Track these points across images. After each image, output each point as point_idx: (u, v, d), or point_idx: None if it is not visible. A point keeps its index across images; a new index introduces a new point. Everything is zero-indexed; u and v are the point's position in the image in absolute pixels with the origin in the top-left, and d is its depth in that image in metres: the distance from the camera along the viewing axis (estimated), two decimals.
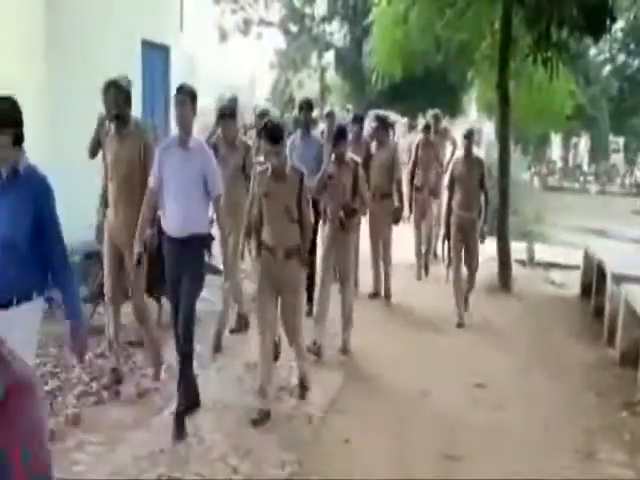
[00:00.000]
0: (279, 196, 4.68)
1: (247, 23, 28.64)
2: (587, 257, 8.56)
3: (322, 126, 9.69)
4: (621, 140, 37.30)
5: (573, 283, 9.24)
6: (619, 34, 32.43)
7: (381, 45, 11.37)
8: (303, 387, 5.09)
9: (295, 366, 5.23)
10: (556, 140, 36.85)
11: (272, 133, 4.54)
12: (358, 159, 6.15)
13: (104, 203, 5.16)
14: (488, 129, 19.89)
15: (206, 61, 22.61)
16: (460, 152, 7.66)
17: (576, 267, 9.37)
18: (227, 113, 6.04)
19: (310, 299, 6.80)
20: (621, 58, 35.04)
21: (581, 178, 33.29)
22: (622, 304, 6.28)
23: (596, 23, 8.62)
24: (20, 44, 7.05)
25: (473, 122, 19.01)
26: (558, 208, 18.68)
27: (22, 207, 3.15)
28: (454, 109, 24.69)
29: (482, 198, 7.28)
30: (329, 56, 28.97)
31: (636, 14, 30.25)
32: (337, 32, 28.84)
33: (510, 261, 9.27)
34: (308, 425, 4.75)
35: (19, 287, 3.21)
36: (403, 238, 9.01)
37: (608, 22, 8.75)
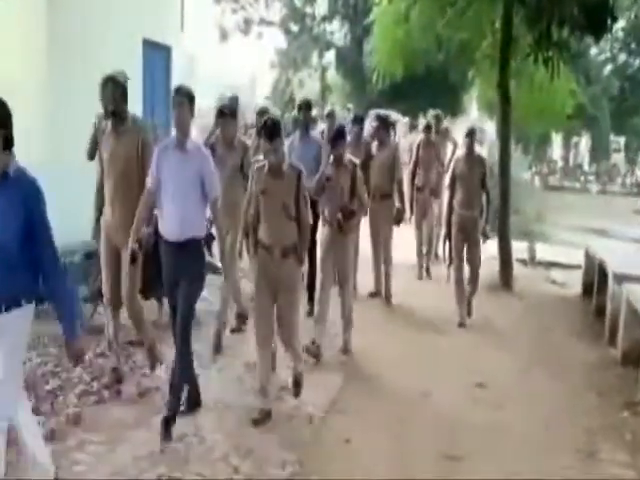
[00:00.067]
0: (276, 193, 4.64)
1: (248, 23, 28.62)
2: (588, 256, 8.56)
3: (322, 126, 9.69)
4: (622, 140, 37.30)
5: (574, 282, 9.25)
6: (620, 33, 32.43)
7: (382, 44, 11.37)
8: (297, 385, 5.01)
9: (292, 356, 5.11)
10: (557, 139, 36.86)
11: (269, 130, 4.50)
12: (357, 160, 6.11)
13: (99, 202, 5.10)
14: (489, 128, 19.89)
15: (207, 61, 22.62)
16: (462, 150, 7.60)
17: (577, 266, 9.36)
18: (226, 112, 5.98)
19: (311, 298, 6.80)
20: (622, 57, 35.04)
21: (582, 178, 33.24)
22: (623, 304, 6.28)
23: (597, 22, 8.61)
24: (21, 44, 7.05)
25: (474, 121, 18.99)
26: (559, 207, 18.66)
27: (12, 210, 3.11)
28: (455, 108, 24.69)
29: (484, 197, 7.24)
30: (330, 55, 28.98)
31: (637, 13, 30.21)
32: (338, 31, 28.84)
33: (511, 260, 9.26)
34: (309, 425, 4.74)
35: (9, 292, 3.15)
36: (404, 238, 9.00)
37: (609, 21, 8.74)
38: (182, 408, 4.66)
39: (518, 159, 17.54)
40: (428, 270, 9.10)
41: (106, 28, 7.95)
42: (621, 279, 6.59)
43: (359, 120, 8.26)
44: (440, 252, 8.99)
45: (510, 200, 9.41)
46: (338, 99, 28.75)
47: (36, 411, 4.56)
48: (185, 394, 4.71)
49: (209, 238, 5.55)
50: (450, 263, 7.38)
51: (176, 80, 9.81)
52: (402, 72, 11.38)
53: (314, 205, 5.69)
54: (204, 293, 6.30)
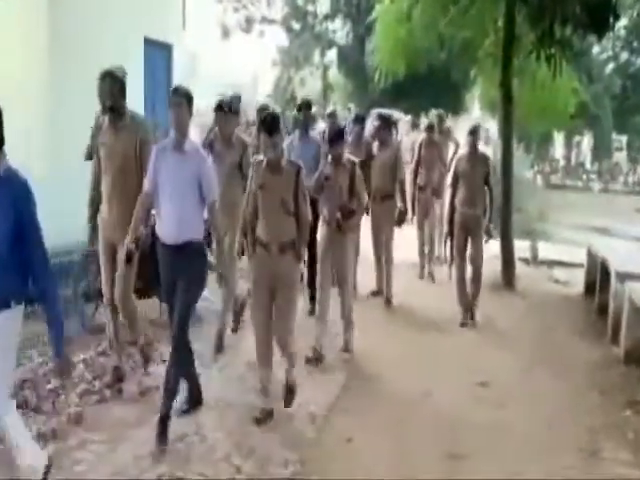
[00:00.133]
0: (275, 189, 4.59)
1: (249, 21, 28.63)
2: (591, 255, 8.54)
3: (322, 124, 9.69)
4: (624, 138, 37.27)
5: (577, 281, 9.23)
6: (622, 32, 32.38)
7: (384, 43, 11.37)
8: (290, 393, 4.84)
9: (285, 370, 4.93)
10: (559, 138, 36.82)
11: (269, 124, 4.47)
12: (355, 159, 6.03)
13: (94, 198, 5.04)
14: (491, 127, 19.87)
15: (208, 59, 22.63)
16: (464, 148, 7.53)
17: (579, 265, 9.34)
18: (224, 107, 5.86)
19: (313, 297, 6.78)
20: (624, 56, 35.00)
21: (584, 176, 33.21)
22: (626, 302, 6.26)
23: (600, 21, 8.60)
24: (21, 43, 7.05)
25: (477, 120, 18.97)
26: (561, 206, 18.66)
27: (2, 211, 3.06)
28: (457, 107, 24.69)
29: (487, 196, 7.15)
30: (332, 54, 28.98)
31: (639, 12, 30.15)
32: (340, 30, 28.85)
33: (513, 259, 9.25)
34: (311, 424, 4.73)
35: None
36: (406, 238, 8.98)
37: (612, 20, 8.72)
38: (184, 407, 4.67)
39: (520, 158, 17.52)
40: (432, 274, 8.98)
41: (107, 27, 7.95)
42: (623, 278, 6.57)
43: (360, 120, 8.24)
44: (441, 252, 8.98)
45: (512, 199, 9.38)
46: (340, 98, 28.75)
47: (37, 410, 4.58)
48: (186, 394, 4.71)
49: (209, 238, 5.52)
50: (451, 262, 7.34)
51: (177, 78, 9.83)
52: (404, 71, 11.38)
53: (314, 204, 5.63)
54: (205, 292, 6.32)
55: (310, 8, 28.89)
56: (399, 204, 7.68)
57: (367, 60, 22.94)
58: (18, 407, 4.49)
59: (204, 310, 6.54)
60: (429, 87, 22.38)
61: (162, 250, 4.48)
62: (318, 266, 6.19)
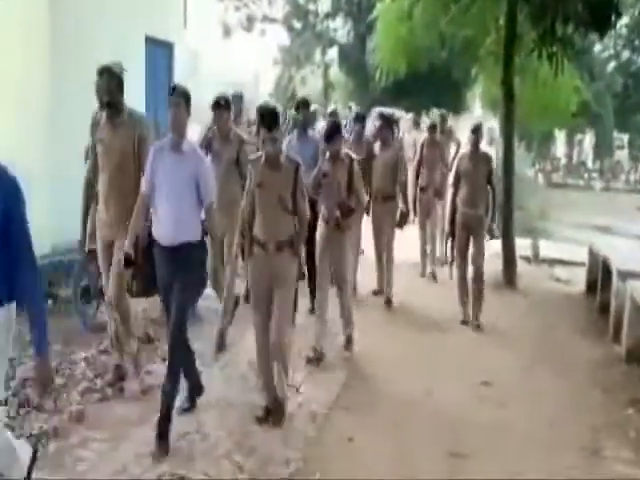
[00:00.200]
0: (273, 186, 4.53)
1: (250, 19, 28.62)
2: (592, 254, 8.53)
3: (323, 123, 9.67)
4: (625, 137, 37.16)
5: (578, 280, 9.23)
6: (624, 30, 32.31)
7: (385, 41, 11.37)
8: (279, 410, 4.66)
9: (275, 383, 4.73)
10: (560, 137, 36.73)
11: (267, 119, 4.45)
12: (354, 155, 5.98)
13: (88, 195, 5.00)
14: (493, 126, 19.83)
15: (210, 58, 22.55)
16: (467, 147, 7.47)
17: (581, 264, 9.34)
18: (222, 103, 5.82)
19: (314, 296, 6.76)
20: (626, 54, 34.89)
21: (585, 175, 33.17)
22: (628, 301, 6.26)
23: (601, 19, 8.59)
24: (22, 43, 7.04)
25: (479, 119, 18.95)
26: (562, 205, 18.63)
27: None
28: (458, 106, 24.64)
29: (489, 195, 7.08)
30: (333, 52, 28.93)
31: None
32: (341, 28, 28.81)
33: (515, 258, 9.24)
34: (312, 423, 4.73)
35: None
36: (407, 237, 8.97)
37: (613, 18, 8.72)
38: (185, 406, 4.67)
39: (521, 156, 17.46)
40: (434, 274, 8.91)
41: (108, 25, 7.94)
42: (625, 276, 6.57)
43: (361, 118, 8.22)
44: (442, 252, 8.94)
45: (514, 197, 9.37)
46: (341, 96, 28.74)
47: (39, 408, 4.58)
48: (186, 393, 4.71)
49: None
50: (452, 261, 7.30)
51: (178, 77, 9.82)
52: (405, 69, 11.39)
53: (313, 204, 5.57)
54: (207, 291, 6.31)
55: (311, 7, 28.87)
56: (400, 205, 7.63)
57: (368, 59, 22.91)
58: (20, 405, 4.52)
59: (205, 309, 6.55)
60: (430, 86, 22.35)
61: (159, 251, 4.43)
62: (317, 265, 6.12)
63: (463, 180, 7.07)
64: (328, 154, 5.83)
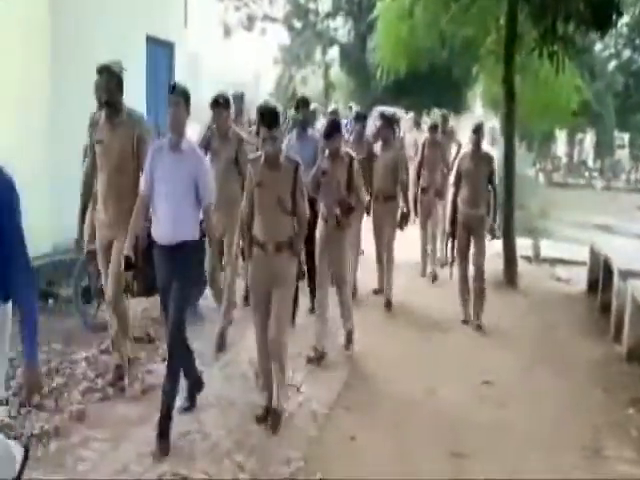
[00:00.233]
0: (272, 186, 4.49)
1: (251, 19, 28.61)
2: (593, 253, 8.53)
3: (323, 121, 9.66)
4: (626, 136, 37.16)
5: (579, 279, 9.23)
6: (624, 29, 32.27)
7: (386, 41, 11.37)
8: (276, 416, 4.56)
9: (275, 383, 4.66)
10: (561, 136, 36.70)
11: (267, 118, 4.41)
12: (353, 153, 5.94)
13: (86, 195, 4.97)
14: (495, 126, 19.82)
15: (210, 57, 22.60)
16: (468, 147, 7.40)
17: (582, 263, 9.33)
18: (220, 101, 5.78)
19: (313, 295, 6.76)
20: (626, 54, 34.86)
21: (586, 174, 33.17)
22: (629, 300, 6.25)
23: (602, 18, 8.57)
24: (22, 43, 7.04)
25: (480, 118, 18.94)
26: (563, 204, 18.60)
27: None
28: (459, 105, 24.64)
29: (491, 195, 7.03)
30: (333, 52, 28.94)
31: None
32: (341, 28, 28.81)
33: (516, 257, 9.23)
34: (313, 422, 4.73)
35: None
36: (408, 237, 8.95)
37: (614, 17, 8.70)
38: (185, 405, 4.67)
39: (522, 155, 17.45)
40: (434, 274, 8.86)
41: (109, 25, 7.94)
42: (626, 275, 6.56)
43: (361, 118, 8.21)
44: (443, 253, 8.92)
45: (514, 197, 9.37)
46: (341, 96, 28.73)
47: (40, 408, 4.58)
48: (185, 393, 4.70)
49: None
50: (452, 261, 7.28)
51: (179, 77, 9.82)
52: (406, 68, 11.38)
53: (312, 202, 5.52)
54: (207, 290, 6.32)
55: (312, 6, 28.86)
56: (401, 205, 7.60)
57: (369, 58, 22.89)
58: (21, 405, 4.52)
59: (205, 309, 6.56)
60: (431, 85, 22.34)
61: (157, 251, 4.42)
62: (316, 264, 6.08)
63: (464, 180, 7.02)
64: (327, 152, 5.79)
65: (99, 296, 6.01)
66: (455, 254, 7.17)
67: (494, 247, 8.62)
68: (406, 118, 14.11)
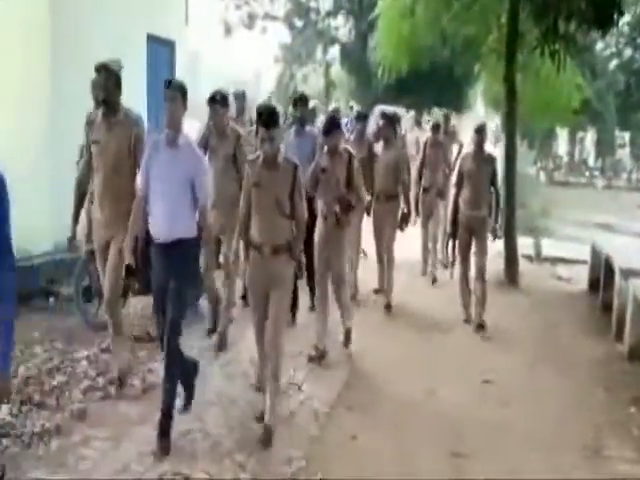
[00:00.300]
0: (270, 187, 4.42)
1: (252, 17, 28.61)
2: (594, 252, 8.52)
3: (323, 119, 9.65)
4: (627, 135, 37.18)
5: (580, 278, 9.21)
6: (625, 28, 32.24)
7: (387, 39, 11.34)
8: (266, 431, 4.34)
9: (268, 395, 4.49)
10: (562, 135, 36.74)
11: (265, 116, 4.36)
12: (353, 150, 5.89)
13: (80, 195, 4.95)
14: (498, 125, 19.81)
15: (211, 56, 22.52)
16: (470, 147, 7.34)
17: (583, 262, 9.33)
18: (217, 98, 5.74)
19: (313, 293, 6.74)
20: (628, 52, 34.85)
21: (587, 173, 33.18)
22: (630, 299, 6.24)
23: (604, 16, 8.56)
24: (22, 43, 7.03)
25: (483, 117, 18.93)
26: (564, 203, 18.57)
27: None
28: (460, 104, 24.64)
29: (493, 196, 6.98)
30: (334, 51, 28.93)
31: None
32: (342, 26, 28.84)
33: (517, 256, 9.23)
34: (314, 421, 4.72)
35: None
36: (409, 237, 8.93)
37: (616, 15, 8.69)
38: (185, 405, 4.66)
39: (523, 154, 17.41)
40: (434, 275, 8.79)
41: (109, 23, 7.93)
42: (628, 274, 6.55)
43: (362, 117, 8.19)
44: (443, 254, 8.91)
45: (515, 196, 9.35)
46: (342, 94, 28.73)
47: (41, 406, 4.58)
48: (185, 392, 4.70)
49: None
50: (453, 261, 7.25)
51: (180, 75, 9.80)
52: (407, 67, 11.35)
53: (310, 200, 5.49)
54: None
55: (313, 5, 28.87)
56: (402, 205, 7.57)
57: (370, 57, 22.84)
58: (22, 403, 4.52)
59: (205, 308, 6.54)
60: (432, 84, 22.33)
61: (154, 249, 4.38)
62: (315, 263, 6.00)
63: (466, 181, 6.95)
64: (326, 148, 5.72)
65: (100, 295, 6.00)
66: (456, 254, 7.15)
67: (495, 246, 8.60)
68: (407, 117, 14.11)
